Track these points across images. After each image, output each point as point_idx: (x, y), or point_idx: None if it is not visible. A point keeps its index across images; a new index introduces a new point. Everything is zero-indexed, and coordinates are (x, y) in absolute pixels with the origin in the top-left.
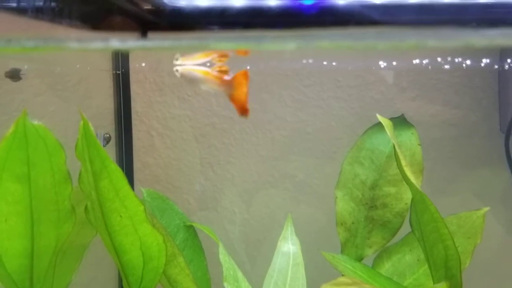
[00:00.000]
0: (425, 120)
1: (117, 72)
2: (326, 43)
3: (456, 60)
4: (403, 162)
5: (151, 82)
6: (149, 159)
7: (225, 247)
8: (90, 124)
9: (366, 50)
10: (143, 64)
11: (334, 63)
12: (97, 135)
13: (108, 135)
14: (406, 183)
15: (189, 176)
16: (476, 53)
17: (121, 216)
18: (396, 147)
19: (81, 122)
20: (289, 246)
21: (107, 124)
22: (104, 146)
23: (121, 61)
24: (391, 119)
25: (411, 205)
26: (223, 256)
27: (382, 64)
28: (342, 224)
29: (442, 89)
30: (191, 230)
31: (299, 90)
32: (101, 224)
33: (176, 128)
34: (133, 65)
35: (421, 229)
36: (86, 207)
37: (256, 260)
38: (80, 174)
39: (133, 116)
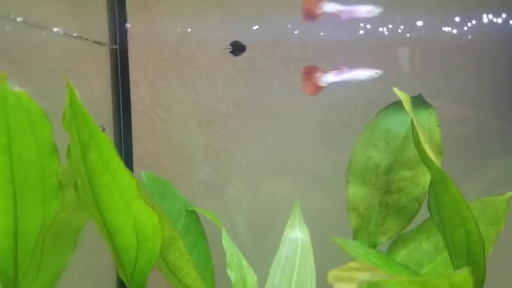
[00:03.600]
0: (441, 105)
1: (114, 47)
2: None
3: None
4: (421, 139)
5: (154, 66)
6: (152, 146)
7: (231, 238)
8: (75, 91)
9: None
10: (145, 45)
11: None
12: None
13: (101, 127)
14: (424, 163)
15: (193, 164)
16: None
17: (111, 191)
18: (414, 121)
19: (67, 90)
20: (297, 233)
21: (104, 109)
22: None
23: (119, 41)
24: None
25: (429, 187)
26: (226, 242)
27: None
28: (354, 210)
29: (460, 70)
30: (193, 215)
31: None
32: (91, 201)
33: (180, 113)
34: (133, 47)
35: (441, 212)
36: (75, 184)
37: (263, 251)
38: (68, 148)
39: (136, 101)
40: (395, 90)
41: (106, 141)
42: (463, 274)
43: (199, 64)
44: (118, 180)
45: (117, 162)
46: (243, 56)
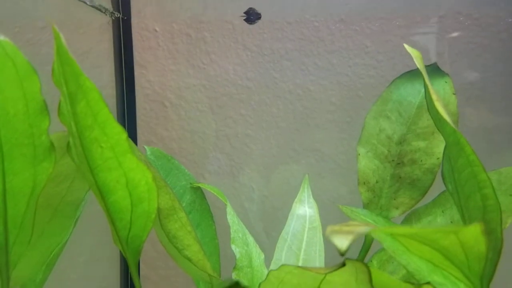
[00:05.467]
0: (463, 89)
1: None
2: None
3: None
4: (434, 97)
5: (164, 49)
6: (163, 131)
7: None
8: (62, 38)
9: None
10: (156, 29)
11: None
12: None
13: None
14: (437, 126)
15: (204, 150)
16: None
17: (102, 146)
18: (426, 79)
19: (54, 39)
20: (305, 209)
21: (108, 93)
22: None
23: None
24: None
25: (444, 153)
26: (231, 217)
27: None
28: (364, 183)
29: (482, 54)
30: (198, 192)
31: (323, 57)
32: (83, 160)
33: (191, 98)
34: (137, 31)
35: (455, 178)
36: (68, 144)
37: (276, 240)
38: (59, 105)
39: (146, 85)
40: (406, 46)
41: (93, 90)
42: (474, 229)
43: (209, 48)
44: (107, 134)
45: (106, 113)
46: (254, 39)
